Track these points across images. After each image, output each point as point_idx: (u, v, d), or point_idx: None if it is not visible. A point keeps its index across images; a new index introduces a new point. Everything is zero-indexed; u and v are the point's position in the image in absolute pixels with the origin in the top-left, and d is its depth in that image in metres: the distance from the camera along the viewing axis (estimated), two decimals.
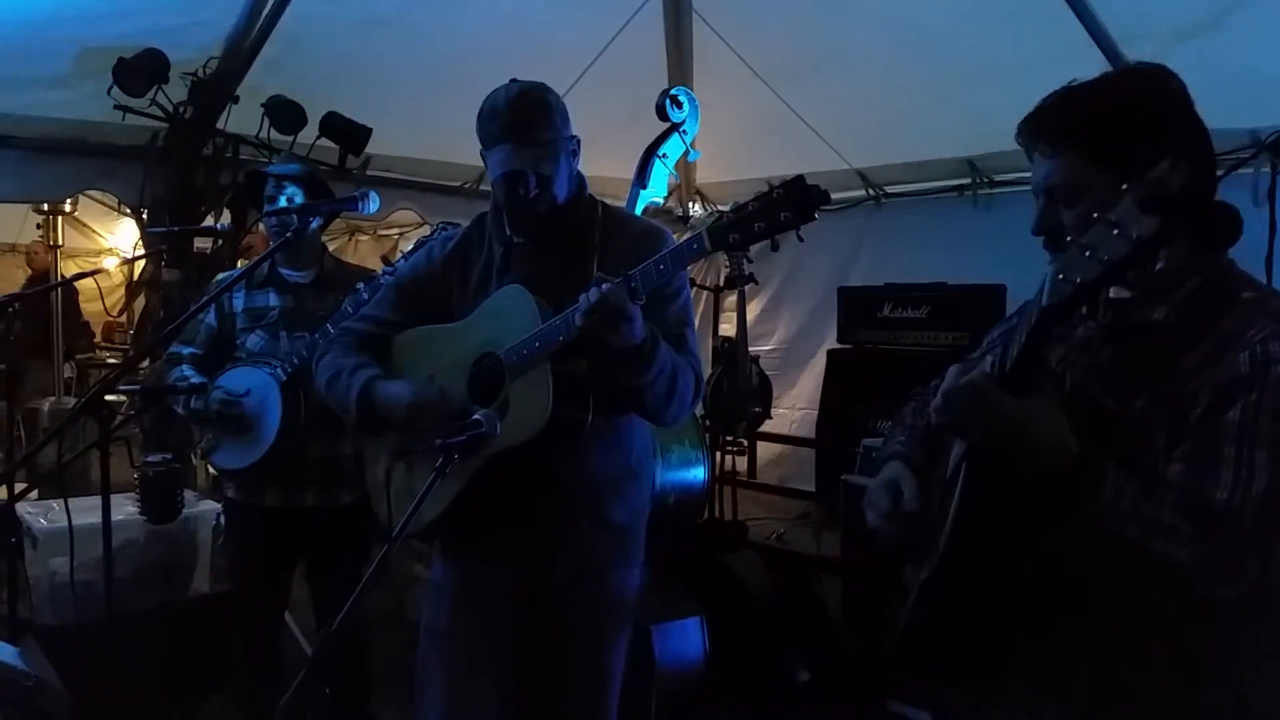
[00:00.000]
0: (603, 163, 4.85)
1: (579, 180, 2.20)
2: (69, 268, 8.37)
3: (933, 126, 4.77)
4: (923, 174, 5.19)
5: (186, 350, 3.11)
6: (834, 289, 5.02)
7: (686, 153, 3.37)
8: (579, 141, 2.17)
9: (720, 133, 5.36)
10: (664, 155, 3.28)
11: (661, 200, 3.40)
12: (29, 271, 9.84)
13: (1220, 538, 1.24)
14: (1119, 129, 1.36)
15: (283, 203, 3.01)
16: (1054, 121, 1.41)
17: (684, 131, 3.29)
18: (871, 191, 5.46)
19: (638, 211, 3.24)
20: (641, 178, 3.27)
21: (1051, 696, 1.43)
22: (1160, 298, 1.38)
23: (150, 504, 3.65)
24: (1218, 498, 1.25)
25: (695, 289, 5.64)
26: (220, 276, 3.27)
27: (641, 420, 2.21)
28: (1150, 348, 1.37)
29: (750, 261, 3.96)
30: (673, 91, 3.29)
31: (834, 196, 5.89)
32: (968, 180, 4.92)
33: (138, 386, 3.20)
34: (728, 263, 4.83)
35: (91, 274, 4.03)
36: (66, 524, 2.92)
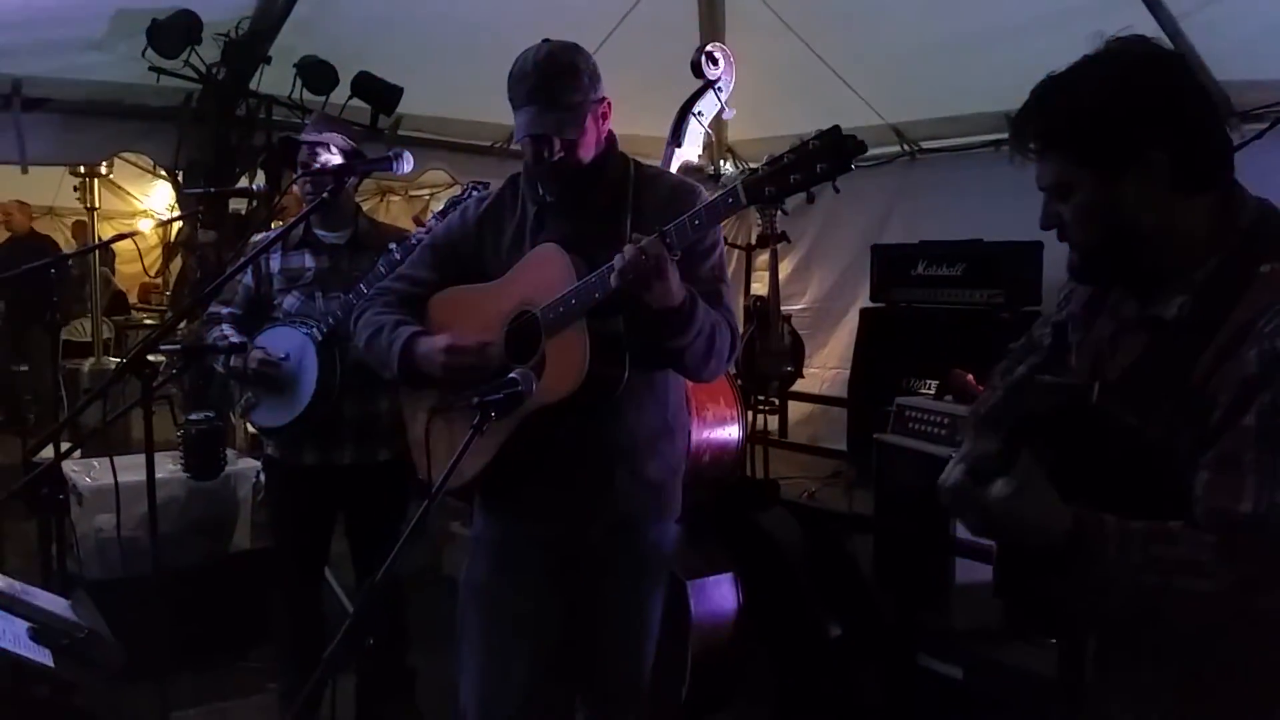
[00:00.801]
0: (635, 120, 4.79)
1: (610, 139, 2.19)
2: (105, 230, 8.49)
3: (969, 80, 4.69)
4: (958, 129, 5.10)
5: (225, 310, 3.15)
6: (867, 247, 4.98)
7: (721, 110, 3.33)
8: (609, 103, 2.15)
9: (752, 88, 5.27)
10: (699, 113, 3.23)
11: (696, 159, 3.37)
12: (66, 234, 9.96)
13: (1250, 551, 1.22)
14: (1094, 128, 1.33)
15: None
16: (1034, 125, 1.39)
17: (719, 89, 3.25)
18: (906, 147, 5.39)
19: (673, 170, 3.22)
20: (677, 136, 3.23)
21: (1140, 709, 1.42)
22: (1178, 285, 1.34)
23: (194, 461, 3.72)
24: (1242, 511, 1.22)
25: (727, 247, 5.62)
26: (256, 238, 3.30)
27: (678, 377, 2.23)
28: (1170, 347, 1.34)
29: (786, 214, 3.92)
30: (708, 48, 3.26)
31: (868, 152, 5.82)
32: (1005, 135, 4.84)
33: (178, 346, 3.26)
34: (760, 221, 4.80)
35: (128, 236, 4.08)
36: (111, 481, 2.98)
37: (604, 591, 2.25)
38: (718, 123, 5.81)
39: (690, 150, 3.24)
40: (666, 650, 2.64)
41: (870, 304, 4.82)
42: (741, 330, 4.57)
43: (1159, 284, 1.37)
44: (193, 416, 3.76)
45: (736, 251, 5.50)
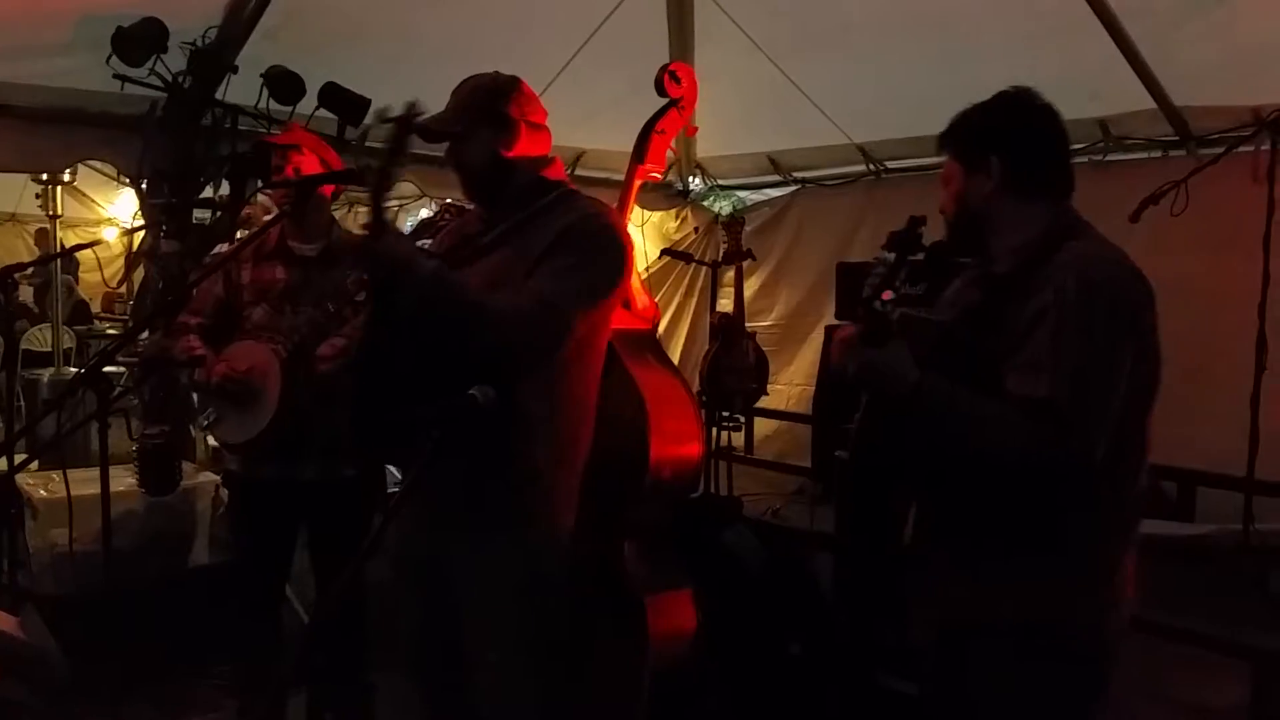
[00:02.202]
0: (605, 135, 4.82)
1: (533, 164, 2.35)
2: (69, 238, 8.37)
3: (933, 101, 4.65)
4: (923, 149, 5.13)
5: (194, 320, 3.13)
6: (833, 265, 5.00)
7: (684, 128, 3.35)
8: (521, 127, 2.32)
9: (721, 106, 5.32)
10: (662, 131, 3.25)
11: (660, 175, 3.38)
12: (28, 242, 9.83)
13: (1043, 421, 1.71)
14: (962, 134, 1.99)
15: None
16: (946, 130, 2.04)
17: (682, 107, 3.27)
18: (872, 166, 5.44)
19: (634, 185, 3.24)
20: (640, 153, 3.25)
21: (943, 578, 1.98)
22: (1006, 256, 1.92)
23: (148, 476, 3.67)
24: (1040, 395, 1.72)
25: (694, 264, 5.64)
26: (221, 248, 3.28)
27: (538, 384, 2.23)
28: (996, 292, 1.91)
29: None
30: (671, 66, 3.28)
31: (835, 171, 5.89)
32: None
33: (136, 358, 3.22)
34: (725, 238, 4.82)
35: (89, 245, 4.03)
36: (65, 495, 2.94)
37: (464, 600, 2.29)
38: (687, 139, 5.87)
39: (653, 167, 3.26)
40: (624, 671, 2.64)
41: (836, 322, 4.84)
42: (708, 348, 4.61)
43: (994, 255, 1.96)
44: (148, 431, 3.71)
45: (703, 269, 5.53)
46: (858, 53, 4.76)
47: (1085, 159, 4.51)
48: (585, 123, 5.15)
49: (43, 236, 9.42)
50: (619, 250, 2.30)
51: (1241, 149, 3.72)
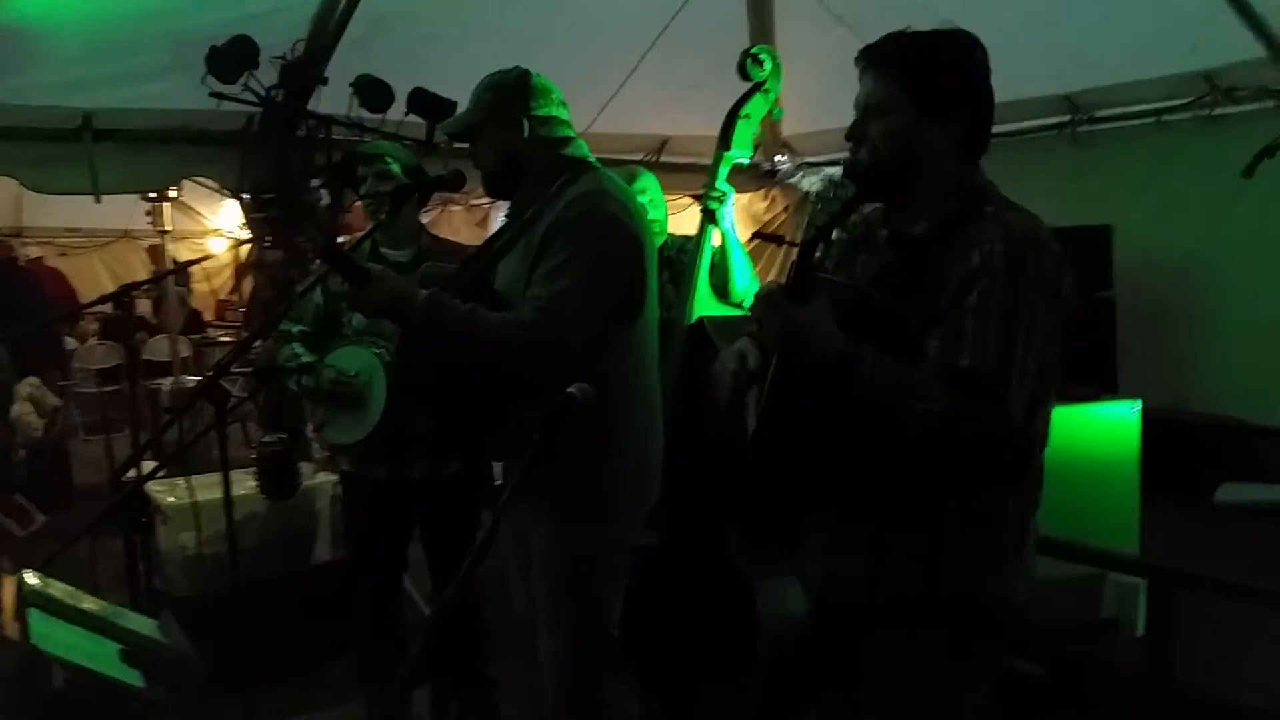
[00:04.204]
0: (688, 121, 4.79)
1: (542, 149, 2.30)
2: (179, 250, 8.70)
3: (1028, 63, 4.57)
4: (1019, 113, 4.99)
5: (296, 328, 3.23)
6: None
7: (771, 111, 3.31)
8: (526, 118, 2.28)
9: (805, 83, 5.22)
10: (747, 115, 3.21)
11: (747, 160, 3.35)
12: (143, 258, 10.26)
13: (965, 391, 1.63)
14: (934, 72, 1.75)
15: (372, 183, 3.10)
16: (888, 52, 1.79)
17: (767, 90, 3.23)
18: None
19: (722, 173, 3.21)
20: (725, 139, 3.22)
21: (844, 553, 1.84)
22: (925, 214, 1.79)
23: (268, 484, 3.78)
24: (961, 364, 1.65)
25: (785, 245, 5.57)
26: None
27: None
28: (913, 255, 1.79)
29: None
30: (753, 50, 3.24)
31: None
32: (1067, 118, 4.74)
33: (250, 368, 3.33)
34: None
35: (198, 261, 4.18)
36: (191, 500, 3.07)
37: (535, 581, 2.37)
38: (771, 118, 5.81)
39: (739, 152, 3.23)
40: (734, 658, 2.64)
41: None
42: None
43: (908, 211, 1.82)
44: (265, 439, 3.83)
45: (796, 250, 5.45)
46: (944, 20, 4.64)
47: (1189, 114, 4.33)
48: (668, 109, 5.14)
49: (155, 252, 9.81)
50: (612, 237, 2.21)
51: None
